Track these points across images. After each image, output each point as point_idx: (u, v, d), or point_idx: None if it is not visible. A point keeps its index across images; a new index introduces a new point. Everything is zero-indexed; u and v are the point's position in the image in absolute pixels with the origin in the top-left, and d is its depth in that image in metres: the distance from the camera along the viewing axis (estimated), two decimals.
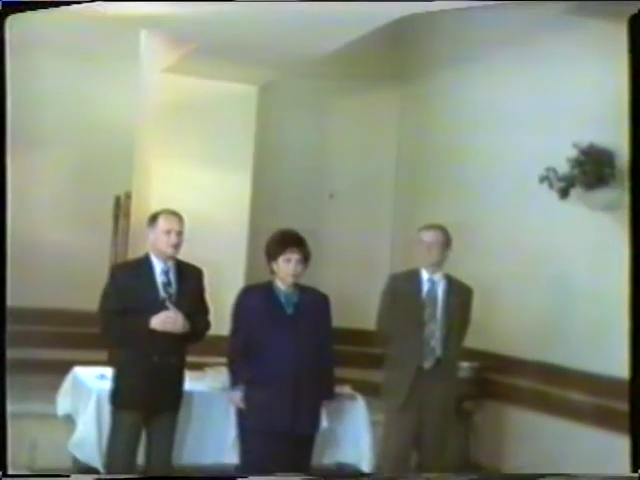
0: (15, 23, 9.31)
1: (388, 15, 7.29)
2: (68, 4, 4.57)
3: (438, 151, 10.48)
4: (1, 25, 3.77)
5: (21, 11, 3.91)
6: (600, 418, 8.01)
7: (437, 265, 7.28)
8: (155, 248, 6.70)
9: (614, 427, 7.88)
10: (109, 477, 3.03)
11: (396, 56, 10.31)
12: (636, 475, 3.22)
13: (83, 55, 10.01)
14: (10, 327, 10.20)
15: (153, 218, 6.75)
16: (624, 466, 7.84)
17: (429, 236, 7.30)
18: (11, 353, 9.97)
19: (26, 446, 7.27)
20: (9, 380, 9.42)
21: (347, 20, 7.43)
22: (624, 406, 7.84)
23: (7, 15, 3.79)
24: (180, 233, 6.68)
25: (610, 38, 8.10)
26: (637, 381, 3.17)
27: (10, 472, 3.00)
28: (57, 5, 4.20)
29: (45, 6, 4.59)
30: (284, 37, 8.17)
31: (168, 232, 6.64)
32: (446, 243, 7.29)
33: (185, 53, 9.37)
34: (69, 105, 10.23)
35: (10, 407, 8.58)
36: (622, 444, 7.83)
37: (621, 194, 7.82)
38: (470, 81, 10.08)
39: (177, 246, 6.69)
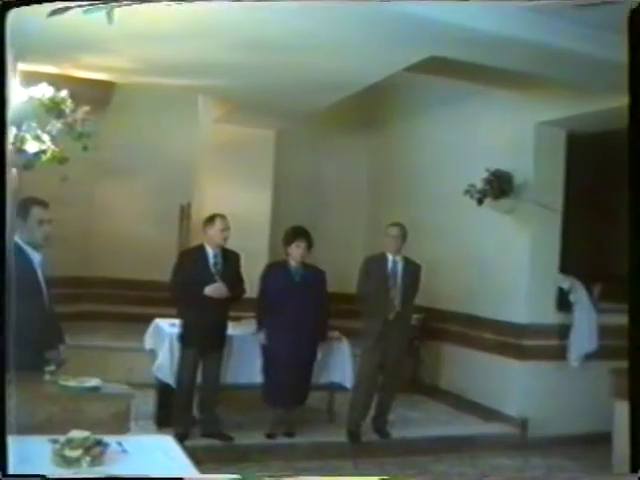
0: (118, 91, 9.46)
1: (370, 78, 7.26)
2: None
3: (396, 175, 10.52)
4: (2, 20, 3.08)
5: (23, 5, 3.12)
6: (502, 350, 8.18)
7: (397, 250, 7.30)
8: (211, 240, 6.78)
9: (511, 355, 8.05)
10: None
11: (365, 112, 10.35)
12: (636, 475, 3.22)
13: (160, 111, 10.12)
14: (113, 291, 10.37)
15: (210, 220, 6.82)
16: (517, 380, 7.99)
17: (393, 230, 7.34)
18: (118, 309, 10.14)
19: (125, 370, 7.36)
20: (115, 327, 9.55)
21: (338, 82, 7.41)
22: (517, 341, 7.99)
23: (8, 10, 3.09)
24: (229, 230, 6.78)
25: (511, 102, 8.24)
26: (637, 382, 3.05)
27: (10, 472, 2.83)
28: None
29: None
30: (292, 97, 8.18)
31: (222, 230, 6.74)
32: (404, 235, 7.32)
33: (227, 109, 9.42)
34: (150, 145, 10.38)
35: (113, 343, 8.74)
36: (516, 367, 7.99)
37: (516, 202, 7.96)
38: (418, 128, 10.09)
39: (227, 239, 6.79)
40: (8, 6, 3.07)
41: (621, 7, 5.19)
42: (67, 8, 2.49)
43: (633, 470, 3.07)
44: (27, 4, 3.15)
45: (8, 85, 2.99)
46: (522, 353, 7.99)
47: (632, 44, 3.07)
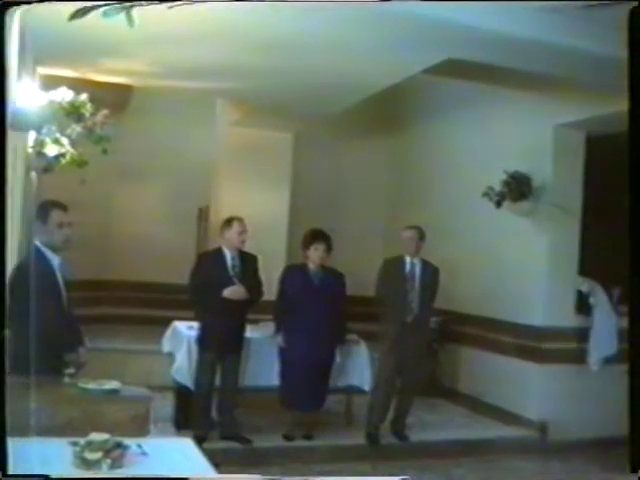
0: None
1: (388, 80, 7.25)
2: None
3: (415, 177, 10.51)
4: (2, 18, 3.02)
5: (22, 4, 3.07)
6: (520, 353, 8.16)
7: (415, 252, 7.30)
8: (229, 243, 6.80)
9: (529, 359, 8.01)
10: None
11: (383, 114, 10.32)
12: (636, 475, 3.18)
13: (178, 114, 10.15)
14: (132, 294, 10.38)
15: (228, 223, 6.85)
16: (536, 383, 7.95)
17: (410, 233, 7.34)
18: (134, 311, 10.14)
19: (144, 372, 7.38)
20: (133, 329, 9.55)
21: (356, 85, 7.42)
22: (536, 345, 7.95)
23: (8, 7, 3.02)
24: (246, 232, 6.79)
25: (530, 105, 8.21)
26: (636, 383, 3.02)
27: (10, 472, 2.83)
28: None
29: None
30: (310, 100, 8.19)
31: (240, 233, 6.76)
32: (421, 238, 7.31)
33: (245, 112, 9.44)
34: (168, 148, 10.42)
35: (132, 346, 8.75)
36: (536, 370, 7.96)
37: (535, 205, 7.93)
38: (437, 131, 10.07)
39: (244, 242, 6.80)
40: (7, 5, 3.02)
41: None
42: (87, 11, 2.50)
43: (633, 470, 3.02)
44: (26, 3, 3.12)
45: (8, 85, 3.01)
46: (541, 356, 7.95)
47: (632, 43, 3.04)
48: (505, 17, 5.29)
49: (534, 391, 8.04)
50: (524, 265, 8.21)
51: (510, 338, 8.29)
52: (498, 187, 8.00)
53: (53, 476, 2.97)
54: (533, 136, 8.18)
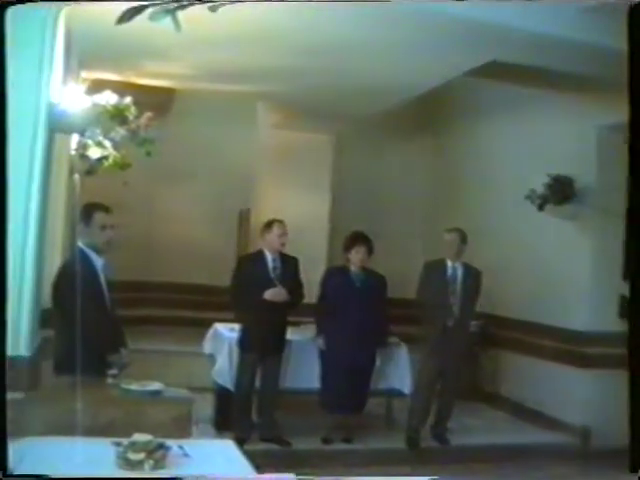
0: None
1: (431, 82, 7.24)
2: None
3: (456, 179, 10.44)
4: (2, 18, 2.97)
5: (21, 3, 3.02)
6: (563, 357, 8.07)
7: (457, 256, 7.26)
8: (269, 245, 6.83)
9: (572, 363, 7.93)
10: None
11: (425, 116, 10.29)
12: (636, 475, 3.23)
13: (219, 117, 10.20)
14: (173, 296, 10.45)
15: (268, 225, 6.87)
16: (579, 388, 7.85)
17: (451, 236, 7.30)
18: (177, 313, 10.20)
19: (185, 374, 7.42)
20: (174, 331, 9.62)
21: (398, 86, 7.41)
22: (579, 349, 7.87)
23: (7, 7, 2.98)
24: (287, 235, 6.80)
25: (573, 106, 8.13)
26: (636, 382, 2.98)
27: (10, 472, 2.96)
28: None
29: None
30: (351, 102, 8.20)
31: (280, 235, 6.77)
32: (463, 241, 7.27)
33: (287, 115, 9.49)
34: (209, 150, 10.47)
35: (173, 347, 8.81)
36: (579, 375, 7.87)
37: (578, 208, 7.86)
38: (479, 133, 10.01)
39: (285, 244, 6.82)
40: (6, 5, 3.03)
41: None
42: (134, 14, 2.52)
43: (633, 470, 2.98)
44: (26, 2, 3.12)
45: (7, 86, 3.12)
46: (584, 361, 7.86)
47: (631, 41, 3.00)
48: (549, 18, 5.26)
49: (576, 396, 7.95)
50: (567, 269, 8.13)
51: (552, 342, 8.20)
52: (540, 190, 7.95)
53: (95, 476, 3.01)
54: (576, 138, 8.09)
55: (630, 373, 3.04)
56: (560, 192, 7.83)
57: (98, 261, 4.76)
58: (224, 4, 2.59)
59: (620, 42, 5.50)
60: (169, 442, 3.25)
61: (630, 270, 3.14)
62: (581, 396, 7.92)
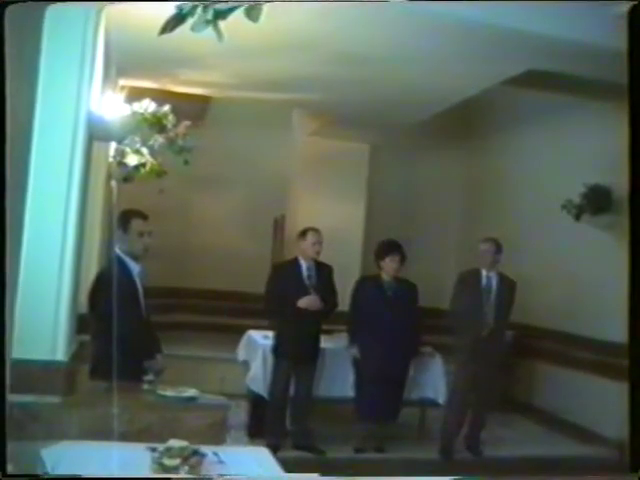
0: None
1: (467, 91, 7.22)
2: None
3: (492, 188, 10.39)
4: (1, 18, 2.95)
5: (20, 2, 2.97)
6: (600, 369, 7.97)
7: (492, 266, 7.19)
8: (304, 253, 6.82)
9: (609, 376, 7.83)
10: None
11: (461, 125, 10.25)
12: (636, 475, 3.18)
13: (255, 125, 10.25)
14: (208, 302, 10.50)
15: (303, 233, 6.87)
16: (615, 401, 7.74)
17: (486, 246, 7.24)
18: (211, 319, 10.22)
19: (217, 380, 7.44)
20: (209, 337, 9.65)
21: (435, 96, 7.40)
22: (616, 361, 7.77)
23: (6, 5, 2.95)
24: (321, 243, 6.81)
25: (610, 115, 8.05)
26: (636, 382, 2.95)
27: (10, 472, 2.94)
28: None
29: None
30: (388, 111, 8.21)
31: (314, 243, 6.77)
32: (497, 251, 7.20)
33: (322, 123, 9.50)
34: (245, 158, 10.53)
35: (206, 354, 8.84)
36: (615, 387, 7.77)
37: (615, 218, 7.78)
38: (515, 142, 9.95)
39: (319, 253, 6.82)
40: (6, 5, 2.99)
41: None
42: (176, 24, 2.54)
43: (633, 470, 2.94)
44: (25, 1, 3.07)
45: (7, 86, 2.99)
46: (621, 373, 7.75)
47: (631, 40, 2.97)
48: (584, 26, 5.24)
49: (613, 409, 7.83)
50: (604, 279, 8.03)
51: (588, 354, 8.12)
52: (577, 200, 7.89)
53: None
54: (613, 147, 7.98)
55: (630, 373, 3.00)
56: (597, 202, 7.76)
57: (135, 268, 4.80)
58: (260, 9, 2.59)
59: None
60: (204, 448, 3.26)
61: (631, 277, 3.08)
62: (617, 408, 7.81)
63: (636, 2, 3.00)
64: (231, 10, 2.50)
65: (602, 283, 8.07)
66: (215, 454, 3.35)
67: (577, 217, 7.91)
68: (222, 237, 10.66)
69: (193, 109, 8.82)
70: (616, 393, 7.79)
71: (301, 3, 4.88)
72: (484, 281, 7.21)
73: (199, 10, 2.50)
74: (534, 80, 6.68)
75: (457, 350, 7.27)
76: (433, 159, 11.05)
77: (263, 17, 2.84)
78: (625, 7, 5.12)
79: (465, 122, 10.32)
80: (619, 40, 5.40)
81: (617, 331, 7.82)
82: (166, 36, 2.76)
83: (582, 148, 8.52)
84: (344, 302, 7.11)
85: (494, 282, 7.21)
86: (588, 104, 8.12)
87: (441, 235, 10.95)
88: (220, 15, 2.54)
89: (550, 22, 5.10)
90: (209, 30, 2.58)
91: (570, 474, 7.23)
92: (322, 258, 6.91)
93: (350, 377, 7.08)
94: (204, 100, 9.24)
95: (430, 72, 6.47)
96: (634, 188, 3.17)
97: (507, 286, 7.26)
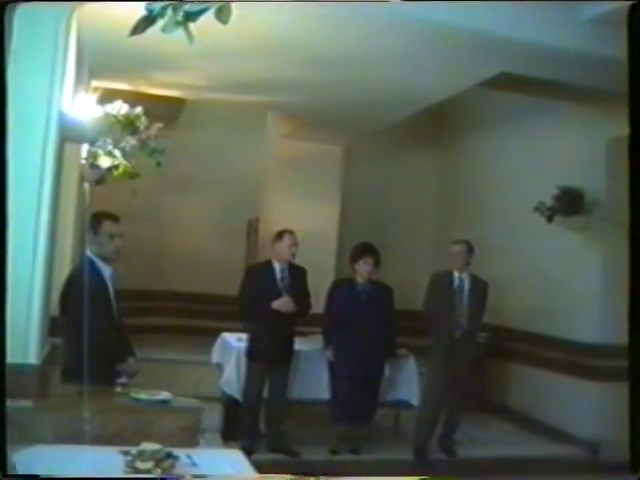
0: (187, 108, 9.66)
1: (441, 94, 7.24)
2: None
3: (465, 190, 10.44)
4: (1, 16, 2.96)
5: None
6: (572, 370, 8.04)
7: (464, 267, 7.23)
8: (279, 256, 6.81)
9: (581, 376, 7.90)
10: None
11: (435, 127, 10.29)
12: (636, 476, 3.22)
13: (228, 127, 10.25)
14: (181, 305, 10.46)
15: (279, 236, 6.86)
16: (587, 401, 7.82)
17: (457, 248, 7.27)
18: (185, 322, 10.19)
19: (192, 383, 7.42)
20: (182, 340, 9.62)
21: (408, 98, 7.41)
22: (587, 361, 7.85)
23: (6, 5, 2.96)
24: (297, 246, 6.81)
25: (582, 118, 8.15)
26: (636, 382, 2.97)
27: (9, 472, 2.96)
28: None
29: None
30: (361, 113, 8.21)
31: (290, 246, 6.77)
32: (470, 252, 7.23)
33: (297, 125, 9.50)
34: (218, 160, 10.53)
35: (180, 357, 8.81)
36: (586, 387, 7.85)
37: (587, 220, 7.85)
38: (488, 144, 10.00)
39: (295, 255, 6.82)
40: (5, 4, 3.01)
41: None
42: (147, 26, 2.53)
43: (633, 470, 2.97)
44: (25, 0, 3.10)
45: (7, 86, 3.02)
46: (594, 374, 7.83)
47: (631, 40, 3.00)
48: (556, 31, 5.28)
49: (585, 409, 7.92)
50: (576, 280, 8.12)
51: (561, 354, 8.19)
52: (550, 202, 7.93)
53: None
54: (586, 150, 8.09)
55: (630, 374, 3.03)
56: (569, 204, 7.81)
57: (106, 270, 4.76)
58: (229, 11, 2.58)
59: (624, 53, 5.53)
60: (177, 451, 3.25)
61: (630, 278, 3.11)
62: (589, 409, 7.90)
63: (636, 2, 2.99)
64: (201, 12, 2.50)
65: (574, 284, 8.16)
66: (188, 457, 3.34)
67: (549, 219, 7.95)
68: (196, 239, 10.64)
69: (167, 111, 8.80)
70: (588, 393, 7.89)
71: (275, 6, 4.88)
72: (456, 282, 7.24)
73: (169, 11, 2.50)
74: (507, 83, 6.72)
75: (431, 352, 7.29)
76: (407, 161, 11.09)
77: (237, 20, 2.84)
78: (595, 11, 5.20)
79: (439, 124, 10.37)
80: (590, 44, 5.47)
81: (588, 332, 7.95)
82: (139, 37, 2.75)
83: (555, 150, 8.59)
84: (319, 304, 7.11)
85: (466, 283, 7.25)
86: (561, 107, 8.19)
87: (415, 237, 10.99)
88: (190, 17, 2.54)
89: (523, 26, 5.14)
90: (181, 32, 2.57)
91: (543, 474, 7.29)
92: (296, 260, 6.90)
93: (325, 379, 7.09)
94: (178, 102, 9.21)
95: (404, 74, 6.48)
96: (634, 188, 3.18)
97: (479, 287, 7.30)
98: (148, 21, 2.56)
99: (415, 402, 7.41)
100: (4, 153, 3.03)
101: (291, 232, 6.84)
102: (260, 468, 3.52)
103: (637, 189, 3.09)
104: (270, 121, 10.17)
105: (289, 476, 3.23)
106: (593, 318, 7.96)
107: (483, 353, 8.46)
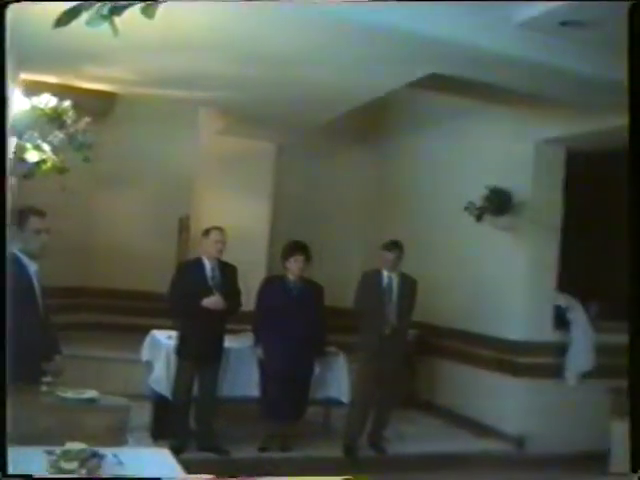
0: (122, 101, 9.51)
1: (372, 93, 7.26)
2: None
3: (396, 190, 10.50)
4: (1, 18, 2.96)
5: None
6: (498, 366, 8.19)
7: (393, 267, 7.29)
8: (207, 252, 6.81)
9: (507, 372, 8.04)
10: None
11: (367, 127, 10.33)
12: (636, 475, 3.11)
13: (160, 122, 10.15)
14: (111, 302, 10.32)
15: (206, 232, 6.86)
16: (513, 397, 7.98)
17: (385, 248, 7.30)
18: (115, 319, 10.05)
19: (121, 381, 7.34)
20: (112, 337, 9.48)
21: (341, 97, 7.42)
22: (513, 358, 7.99)
23: (6, 5, 2.96)
24: (224, 242, 6.79)
25: (512, 121, 8.27)
26: (636, 382, 3.01)
27: (10, 472, 2.86)
28: None
29: None
30: (294, 111, 8.19)
31: (216, 242, 6.75)
32: (400, 253, 7.28)
33: (229, 122, 9.44)
34: (150, 156, 10.42)
35: (110, 354, 8.68)
36: (513, 384, 7.98)
37: (515, 220, 7.97)
38: (419, 144, 10.07)
39: (222, 251, 6.80)
40: (6, 4, 3.00)
41: (620, 27, 5.22)
42: (71, 18, 2.48)
43: (633, 470, 3.03)
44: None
45: (7, 87, 2.92)
46: (519, 370, 7.98)
47: (631, 39, 3.06)
48: (487, 34, 5.34)
49: (512, 405, 8.07)
50: (504, 279, 8.25)
51: (488, 352, 8.32)
52: (479, 202, 8.03)
53: None
54: (514, 152, 8.24)
55: (630, 373, 3.08)
56: (497, 204, 7.91)
57: (32, 266, 4.67)
58: (155, 6, 2.54)
59: (554, 59, 5.64)
60: (104, 450, 3.21)
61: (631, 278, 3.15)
62: (516, 404, 8.04)
63: (636, 1, 3.03)
64: (126, 6, 2.46)
65: (502, 283, 8.29)
66: (115, 456, 3.30)
67: (478, 218, 8.05)
68: (126, 236, 10.50)
69: (98, 105, 8.67)
70: (514, 389, 8.04)
71: (206, 2, 4.83)
72: (385, 281, 7.31)
73: (95, 5, 2.45)
74: (438, 84, 6.77)
75: (360, 349, 7.34)
76: (341, 160, 11.12)
77: (165, 14, 2.81)
78: (526, 15, 5.27)
79: (371, 124, 10.41)
80: (521, 48, 5.55)
81: (516, 329, 8.10)
82: (68, 30, 2.70)
83: (485, 152, 8.71)
84: (250, 302, 7.09)
85: (395, 281, 7.32)
86: (492, 109, 8.31)
87: (347, 235, 11.03)
88: (115, 11, 2.49)
89: (455, 27, 5.18)
90: (108, 25, 2.53)
91: (471, 468, 7.39)
92: (227, 257, 6.89)
93: (255, 377, 7.09)
94: (109, 96, 9.06)
95: (336, 73, 6.48)
96: (634, 188, 3.24)
97: (408, 285, 7.38)
98: (73, 14, 2.51)
99: (345, 399, 7.45)
100: (4, 153, 3.00)
101: (218, 228, 6.83)
102: (189, 467, 3.50)
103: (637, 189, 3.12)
104: (202, 117, 10.07)
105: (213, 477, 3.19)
106: (519, 316, 8.11)
107: (412, 350, 8.55)
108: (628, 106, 3.18)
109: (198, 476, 3.48)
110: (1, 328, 2.99)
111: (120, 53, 6.09)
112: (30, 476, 2.98)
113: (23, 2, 3.03)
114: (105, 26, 2.58)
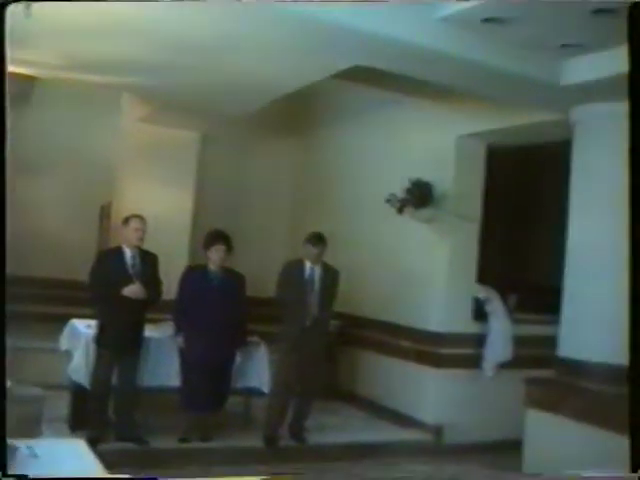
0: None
1: (295, 84, 7.24)
2: None
3: (320, 181, 10.54)
4: (1, 18, 3.01)
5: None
6: (419, 357, 8.29)
7: (316, 259, 7.30)
8: (126, 240, 6.75)
9: (427, 363, 8.14)
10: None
11: (291, 117, 10.32)
12: (636, 475, 3.20)
13: (82, 108, 9.98)
14: (30, 290, 10.10)
15: (126, 220, 6.81)
16: (432, 387, 8.10)
17: (311, 241, 7.28)
18: (34, 308, 9.85)
19: (40, 371, 7.20)
20: (30, 326, 9.29)
21: (265, 86, 7.38)
22: (432, 349, 8.09)
23: (6, 5, 3.00)
24: (144, 230, 6.73)
25: (434, 114, 8.35)
26: (636, 382, 3.06)
27: (10, 472, 2.96)
28: None
29: None
30: (218, 100, 8.13)
31: (136, 230, 6.69)
32: (323, 246, 7.26)
33: (152, 109, 9.31)
34: (71, 143, 10.25)
35: (27, 344, 8.51)
36: (432, 374, 8.09)
37: (436, 213, 8.06)
38: (343, 135, 10.13)
39: (142, 239, 6.75)
40: (6, 4, 3.06)
41: (544, 25, 5.33)
42: None
43: (633, 470, 3.11)
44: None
45: (7, 87, 3.07)
46: (438, 361, 8.09)
47: (631, 39, 3.13)
48: (410, 28, 5.37)
49: (431, 395, 8.18)
50: (425, 271, 8.35)
51: (409, 343, 8.41)
52: (401, 194, 8.09)
53: None
54: (436, 145, 8.33)
55: (630, 373, 3.14)
56: (419, 196, 7.96)
57: None
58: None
59: (476, 55, 5.72)
60: (17, 442, 3.15)
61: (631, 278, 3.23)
62: (435, 395, 8.16)
63: (637, 1, 3.06)
64: None
65: (423, 275, 8.39)
66: (29, 448, 3.24)
67: (400, 210, 8.09)
68: (46, 223, 10.30)
69: (17, 89, 8.44)
70: (434, 380, 8.15)
71: None
72: (308, 272, 7.32)
73: None
74: (361, 76, 6.81)
75: (281, 339, 7.34)
76: (265, 150, 11.11)
77: None
78: (448, 10, 5.33)
79: (295, 115, 10.40)
80: (442, 43, 5.61)
81: (436, 320, 8.21)
82: None
83: (408, 144, 8.79)
84: (171, 291, 7.03)
85: (317, 272, 7.33)
86: (415, 102, 8.38)
87: (270, 226, 11.05)
88: None
89: (377, 21, 5.21)
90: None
91: (391, 457, 7.48)
92: (149, 246, 6.83)
93: (175, 366, 7.03)
94: (28, 80, 8.84)
95: (262, 63, 6.46)
96: (634, 187, 3.22)
97: (330, 276, 7.40)
98: None
99: (266, 389, 7.44)
100: (4, 152, 3.07)
101: (138, 216, 6.77)
102: (106, 458, 3.45)
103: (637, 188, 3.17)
104: (125, 103, 9.94)
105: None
106: (439, 308, 8.22)
107: (334, 341, 8.60)
108: (628, 107, 3.23)
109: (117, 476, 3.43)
110: (1, 328, 2.91)
111: (39, 36, 5.96)
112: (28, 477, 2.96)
113: (23, 2, 2.94)
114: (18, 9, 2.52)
